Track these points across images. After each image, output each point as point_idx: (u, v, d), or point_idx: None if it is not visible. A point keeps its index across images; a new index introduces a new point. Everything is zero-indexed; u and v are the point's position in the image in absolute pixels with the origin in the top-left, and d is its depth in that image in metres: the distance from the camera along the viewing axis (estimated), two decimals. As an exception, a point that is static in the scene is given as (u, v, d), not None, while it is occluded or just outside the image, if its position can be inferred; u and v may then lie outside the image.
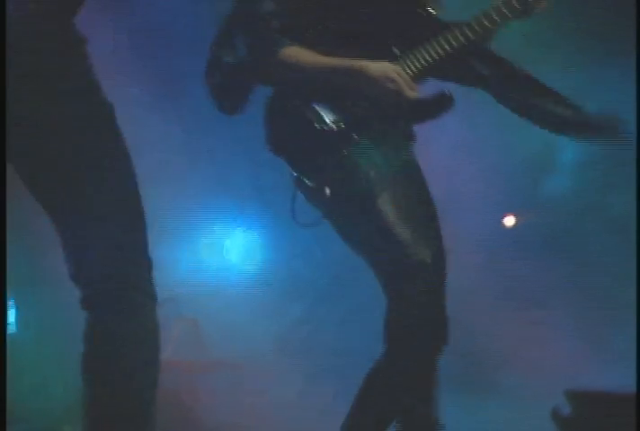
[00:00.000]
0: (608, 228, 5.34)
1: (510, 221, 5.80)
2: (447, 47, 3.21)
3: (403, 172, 3.26)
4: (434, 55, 3.22)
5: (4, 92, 2.43)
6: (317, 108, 3.19)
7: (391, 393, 3.21)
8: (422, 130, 3.32)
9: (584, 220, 5.40)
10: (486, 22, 3.22)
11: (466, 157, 5.40)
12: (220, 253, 5.67)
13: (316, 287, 5.26)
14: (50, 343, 4.85)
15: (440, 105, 3.24)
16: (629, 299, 4.19)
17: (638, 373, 3.76)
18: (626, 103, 4.23)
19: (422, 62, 3.22)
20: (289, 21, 3.21)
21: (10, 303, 5.00)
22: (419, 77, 3.24)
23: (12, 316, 5.06)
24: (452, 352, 3.16)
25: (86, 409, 2.38)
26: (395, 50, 3.26)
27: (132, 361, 2.37)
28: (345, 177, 3.14)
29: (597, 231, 5.38)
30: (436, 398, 3.26)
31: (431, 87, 3.26)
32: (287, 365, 4.89)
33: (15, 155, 2.36)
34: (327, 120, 3.17)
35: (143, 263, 2.43)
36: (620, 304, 4.69)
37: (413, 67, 3.22)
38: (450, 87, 3.29)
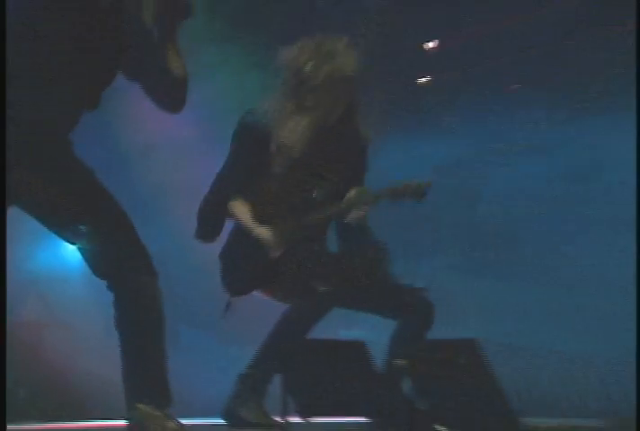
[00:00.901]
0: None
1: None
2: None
3: None
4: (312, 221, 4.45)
5: (4, 92, 3.27)
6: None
7: None
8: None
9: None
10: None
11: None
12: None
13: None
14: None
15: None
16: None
17: (638, 372, 4.48)
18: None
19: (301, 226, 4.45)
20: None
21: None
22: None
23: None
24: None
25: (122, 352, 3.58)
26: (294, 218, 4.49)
27: (145, 320, 3.57)
28: None
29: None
30: None
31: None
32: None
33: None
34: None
35: (142, 255, 3.60)
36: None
37: (296, 230, 4.44)
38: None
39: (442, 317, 4.57)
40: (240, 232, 4.56)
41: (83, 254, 3.70)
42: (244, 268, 4.56)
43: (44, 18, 3.55)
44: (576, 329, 5.70)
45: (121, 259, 3.63)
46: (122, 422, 3.76)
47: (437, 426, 3.88)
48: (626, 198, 5.85)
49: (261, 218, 4.53)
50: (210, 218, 4.64)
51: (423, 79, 6.05)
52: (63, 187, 3.54)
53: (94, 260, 3.66)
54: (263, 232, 4.48)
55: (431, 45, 6.05)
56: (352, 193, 4.46)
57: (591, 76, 6.01)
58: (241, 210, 4.55)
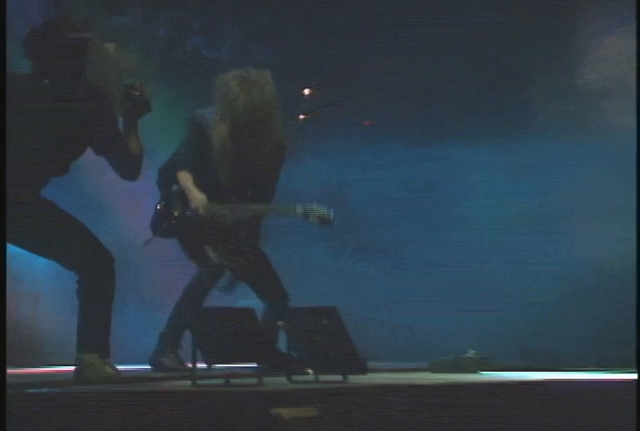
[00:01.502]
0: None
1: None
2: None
3: None
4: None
5: (4, 92, 3.98)
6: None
7: None
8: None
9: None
10: None
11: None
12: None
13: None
14: None
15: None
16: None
17: (638, 367, 4.99)
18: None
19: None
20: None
21: None
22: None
23: None
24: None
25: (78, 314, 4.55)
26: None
27: (99, 293, 4.54)
28: None
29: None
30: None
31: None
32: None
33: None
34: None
35: (102, 252, 4.63)
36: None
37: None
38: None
39: (313, 288, 5.93)
40: (177, 195, 5.79)
41: (53, 258, 4.65)
42: (167, 220, 5.89)
43: (31, 106, 4.53)
44: (405, 302, 7.57)
45: (84, 255, 4.56)
46: (72, 368, 4.62)
47: (306, 369, 4.84)
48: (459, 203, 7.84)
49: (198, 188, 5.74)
50: (164, 181, 5.91)
51: (302, 116, 7.58)
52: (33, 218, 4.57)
53: (63, 259, 4.63)
54: (197, 196, 5.69)
55: (307, 91, 7.58)
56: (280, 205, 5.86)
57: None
58: (185, 178, 5.77)
